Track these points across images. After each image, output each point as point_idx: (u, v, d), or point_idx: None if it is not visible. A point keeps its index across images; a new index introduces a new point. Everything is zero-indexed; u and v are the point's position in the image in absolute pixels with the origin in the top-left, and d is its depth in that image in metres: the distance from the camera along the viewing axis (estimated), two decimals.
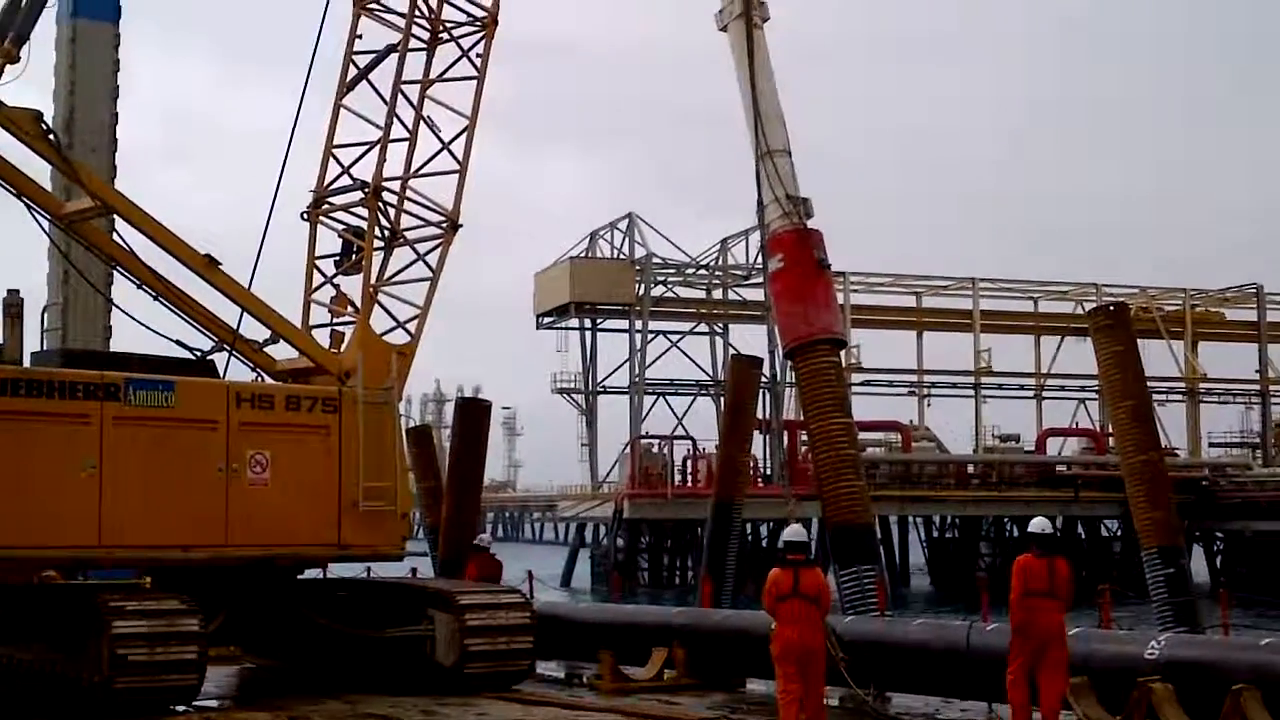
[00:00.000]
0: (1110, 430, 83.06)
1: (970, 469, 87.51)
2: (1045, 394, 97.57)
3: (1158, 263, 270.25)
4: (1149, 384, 30.79)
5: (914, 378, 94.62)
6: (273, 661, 21.67)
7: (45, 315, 29.60)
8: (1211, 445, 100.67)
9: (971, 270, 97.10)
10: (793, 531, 15.27)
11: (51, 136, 19.19)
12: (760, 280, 51.09)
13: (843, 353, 30.94)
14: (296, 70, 21.66)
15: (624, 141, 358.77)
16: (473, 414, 33.93)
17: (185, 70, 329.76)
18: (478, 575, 22.95)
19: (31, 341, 19.66)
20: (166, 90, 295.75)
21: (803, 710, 14.38)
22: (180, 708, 16.69)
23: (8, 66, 18.47)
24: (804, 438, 61.15)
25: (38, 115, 18.87)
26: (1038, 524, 14.98)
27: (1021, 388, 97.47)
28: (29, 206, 19.27)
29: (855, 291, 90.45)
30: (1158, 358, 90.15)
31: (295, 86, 20.98)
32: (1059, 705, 14.37)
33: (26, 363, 18.82)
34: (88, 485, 17.35)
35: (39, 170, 19.99)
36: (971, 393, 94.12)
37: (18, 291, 19.56)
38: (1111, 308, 28.33)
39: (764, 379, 37.93)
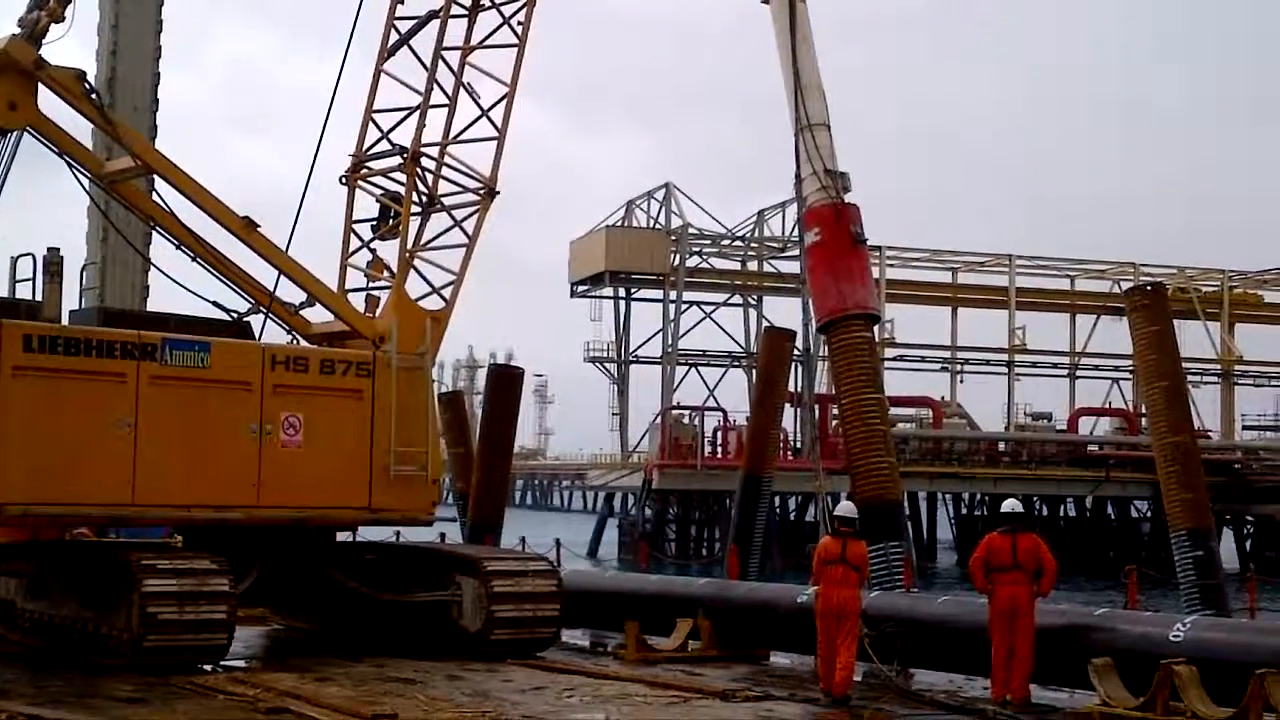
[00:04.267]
0: (1143, 411, 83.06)
1: (1001, 447, 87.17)
2: (1079, 373, 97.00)
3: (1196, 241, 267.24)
4: (1184, 365, 30.65)
5: (947, 354, 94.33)
6: (301, 623, 21.86)
7: (84, 274, 29.71)
8: (1245, 428, 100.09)
9: (1006, 247, 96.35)
10: (844, 508, 17.30)
11: (94, 96, 19.21)
12: (796, 253, 50.96)
13: (876, 328, 30.86)
14: (343, 36, 21.71)
15: (663, 113, 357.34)
16: (505, 381, 33.99)
17: (243, 37, 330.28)
18: None
19: (70, 300, 19.75)
20: (232, 56, 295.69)
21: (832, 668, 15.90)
22: (208, 667, 16.82)
23: (53, 25, 18.45)
24: (835, 412, 61.02)
25: (81, 74, 18.95)
26: (1008, 505, 16.57)
27: (1055, 366, 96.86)
28: (70, 164, 19.32)
29: (891, 266, 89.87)
30: (1194, 339, 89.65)
31: (338, 52, 21.23)
32: (1026, 675, 15.52)
33: (65, 321, 18.97)
34: (122, 443, 17.48)
35: (81, 129, 20.09)
36: (1005, 370, 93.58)
37: (58, 250, 19.59)
38: (1149, 287, 28.20)
39: (797, 352, 37.73)
